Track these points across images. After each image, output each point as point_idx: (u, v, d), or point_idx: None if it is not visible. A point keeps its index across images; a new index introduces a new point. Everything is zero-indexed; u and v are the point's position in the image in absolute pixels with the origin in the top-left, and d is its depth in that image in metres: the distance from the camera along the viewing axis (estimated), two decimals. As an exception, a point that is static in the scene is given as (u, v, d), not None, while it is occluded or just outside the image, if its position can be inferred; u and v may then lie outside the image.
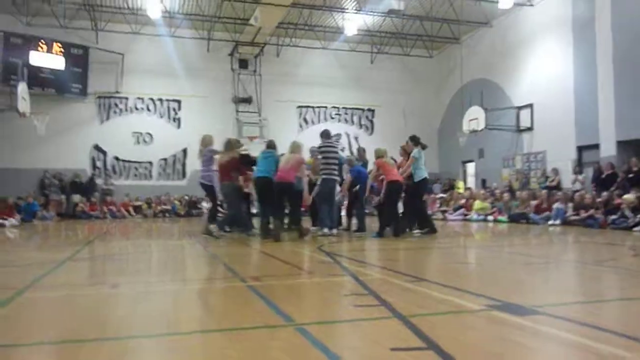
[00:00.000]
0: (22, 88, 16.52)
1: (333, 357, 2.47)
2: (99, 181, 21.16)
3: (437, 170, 23.64)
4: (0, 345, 2.75)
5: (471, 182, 22.70)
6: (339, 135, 12.49)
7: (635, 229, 11.36)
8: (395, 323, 3.05)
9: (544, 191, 15.62)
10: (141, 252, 7.90)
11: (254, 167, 10.23)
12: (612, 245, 8.64)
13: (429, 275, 5.01)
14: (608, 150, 15.52)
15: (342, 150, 12.09)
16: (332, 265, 5.91)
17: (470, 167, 23.24)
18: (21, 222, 16.06)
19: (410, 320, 3.06)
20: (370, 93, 24.65)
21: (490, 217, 16.06)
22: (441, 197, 19.00)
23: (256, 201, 11.93)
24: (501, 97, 20.40)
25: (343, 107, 24.76)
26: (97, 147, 21.78)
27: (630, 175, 13.86)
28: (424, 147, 10.38)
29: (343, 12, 21.12)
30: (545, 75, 18.33)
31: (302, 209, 10.71)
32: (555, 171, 17.18)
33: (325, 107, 24.50)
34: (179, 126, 22.53)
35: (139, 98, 22.32)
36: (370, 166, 12.44)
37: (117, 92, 21.92)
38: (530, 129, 19.13)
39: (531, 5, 19.17)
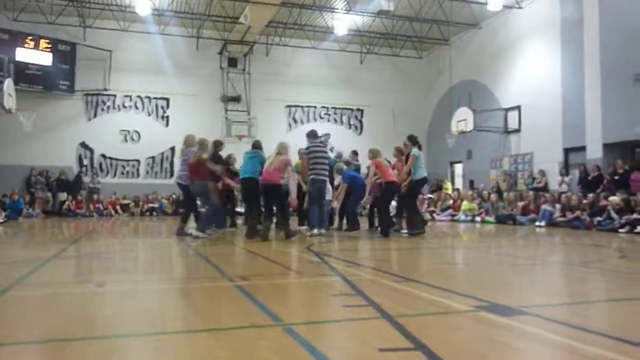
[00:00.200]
0: (8, 84, 16.33)
1: (320, 357, 2.46)
2: (85, 179, 21.00)
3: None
4: (-16, 344, 2.71)
5: (459, 183, 22.81)
6: (328, 134, 12.45)
7: (621, 230, 11.48)
8: (383, 323, 3.06)
9: (531, 192, 15.75)
10: (128, 250, 7.85)
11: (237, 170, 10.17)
12: (598, 246, 8.72)
13: (417, 276, 5.03)
14: (594, 152, 15.65)
15: (332, 150, 12.08)
16: (321, 265, 5.90)
17: (458, 168, 23.36)
18: (6, 220, 15.88)
19: (398, 321, 3.06)
20: (359, 93, 24.67)
21: (477, 218, 16.16)
22: (429, 198, 19.07)
23: (241, 201, 11.93)
24: (489, 98, 20.51)
25: (332, 107, 24.76)
26: (84, 145, 21.60)
27: (616, 177, 14.02)
28: (419, 147, 10.45)
29: (333, 12, 21.12)
30: (534, 77, 18.46)
31: (290, 209, 10.66)
32: (542, 173, 17.31)
33: (315, 106, 24.49)
34: (167, 124, 22.40)
35: (126, 96, 22.16)
36: (363, 166, 12.49)
37: (105, 89, 21.75)
38: (517, 130, 19.26)
39: (520, 7, 19.29)
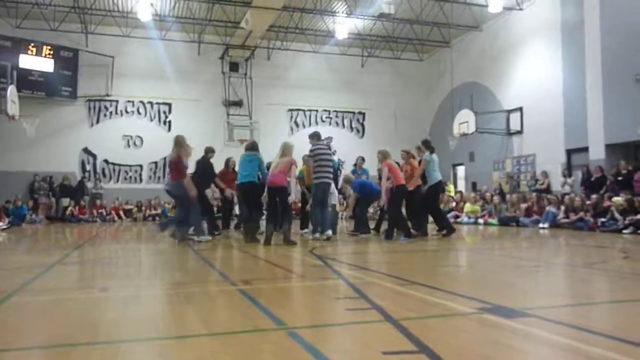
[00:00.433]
0: (11, 91, 16.41)
1: (325, 360, 2.46)
2: (88, 184, 21.05)
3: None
4: (-12, 350, 2.72)
5: (461, 185, 22.79)
6: (330, 138, 12.44)
7: (625, 231, 11.45)
8: (386, 327, 3.05)
9: (534, 194, 15.72)
10: (131, 255, 7.86)
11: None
12: (601, 247, 8.70)
13: (420, 279, 5.02)
14: (597, 153, 15.63)
15: (334, 153, 12.07)
16: (324, 269, 5.90)
17: (461, 170, 23.34)
18: (10, 226, 15.92)
19: (402, 324, 3.06)
20: (360, 96, 24.70)
21: (480, 220, 16.14)
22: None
23: (237, 204, 11.86)
24: (491, 100, 20.51)
25: (334, 110, 24.79)
26: (86, 150, 21.67)
27: (619, 178, 14.00)
28: (433, 151, 10.50)
29: (334, 15, 21.16)
30: (535, 78, 18.46)
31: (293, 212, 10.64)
32: (545, 174, 17.29)
33: (316, 110, 24.53)
34: (169, 129, 22.44)
35: (129, 101, 22.24)
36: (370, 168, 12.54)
37: (107, 95, 21.83)
38: (520, 132, 19.25)
39: (520, 9, 19.32)
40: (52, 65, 20.57)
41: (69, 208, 19.89)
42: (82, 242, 10.67)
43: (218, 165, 11.58)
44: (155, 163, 22.21)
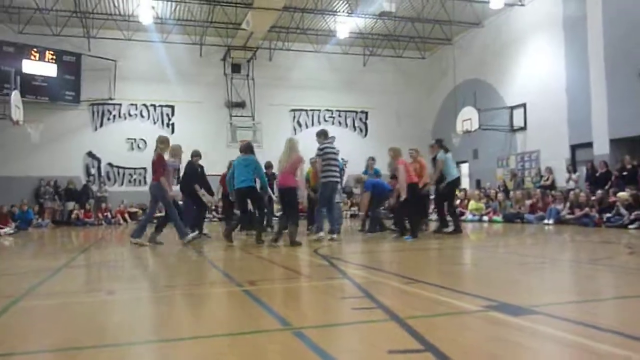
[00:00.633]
0: (15, 96, 16.47)
1: (331, 360, 2.47)
2: (93, 188, 21.12)
3: (431, 170, 23.66)
4: (-4, 355, 2.73)
5: (465, 182, 22.71)
6: (332, 137, 12.44)
7: (631, 226, 11.41)
8: (392, 325, 3.05)
9: (538, 190, 15.68)
10: (137, 258, 7.87)
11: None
12: (607, 243, 8.67)
13: (425, 277, 5.02)
14: (601, 148, 15.57)
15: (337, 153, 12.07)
16: (329, 269, 5.90)
17: (464, 168, 23.24)
18: (17, 230, 15.99)
19: (408, 323, 3.05)
20: (363, 95, 24.68)
21: (485, 218, 16.11)
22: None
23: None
24: (494, 97, 20.46)
25: (336, 110, 24.79)
26: (91, 154, 21.74)
27: (624, 173, 13.94)
28: (447, 150, 10.61)
29: (335, 15, 21.14)
30: (538, 74, 18.41)
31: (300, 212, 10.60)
32: (549, 170, 17.24)
33: (319, 110, 24.53)
34: (172, 132, 22.46)
35: (132, 104, 22.30)
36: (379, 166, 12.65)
37: (111, 98, 21.88)
38: (523, 128, 19.20)
39: (522, 5, 19.26)
40: (55, 70, 20.65)
41: (75, 212, 19.95)
42: (88, 245, 10.71)
43: (221, 167, 11.54)
44: (159, 165, 22.19)
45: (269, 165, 12.40)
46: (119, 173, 22.03)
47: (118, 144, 21.87)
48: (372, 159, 12.92)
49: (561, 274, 5.66)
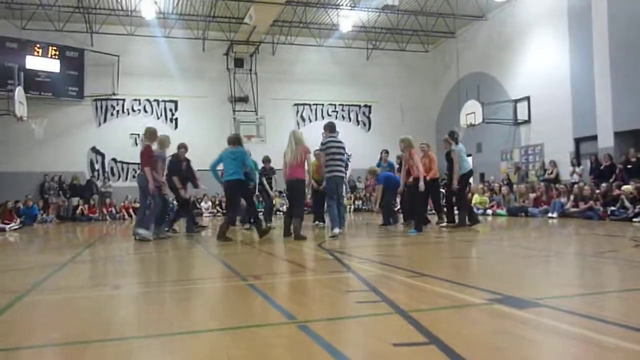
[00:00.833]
0: (18, 92, 16.51)
1: (336, 353, 2.47)
2: (97, 183, 21.18)
3: (441, 165, 23.68)
4: (1, 349, 2.75)
5: (469, 176, 22.68)
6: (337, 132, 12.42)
7: (635, 219, 11.38)
8: (397, 319, 3.06)
9: (543, 184, 15.65)
10: (141, 252, 7.89)
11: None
12: (612, 236, 8.65)
13: (430, 270, 5.02)
14: (606, 141, 15.51)
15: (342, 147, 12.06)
16: (333, 262, 5.91)
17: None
18: (22, 226, 16.05)
19: (412, 316, 3.06)
20: (366, 89, 24.66)
21: (489, 211, 16.09)
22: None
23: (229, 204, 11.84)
24: (498, 90, 20.40)
25: (340, 104, 24.77)
26: (95, 150, 21.81)
27: (629, 166, 13.89)
28: (457, 142, 10.62)
29: (338, 8, 21.11)
30: (542, 67, 18.34)
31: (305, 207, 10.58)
32: (553, 163, 17.19)
33: (322, 104, 24.52)
34: (176, 127, 22.52)
35: (135, 99, 22.32)
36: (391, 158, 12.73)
37: (114, 94, 21.92)
38: (527, 121, 19.15)
39: (526, -3, 19.18)
40: (58, 66, 20.68)
41: (79, 207, 20.02)
42: (92, 240, 10.74)
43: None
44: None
45: (267, 160, 12.36)
46: (123, 168, 22.09)
47: (122, 140, 21.92)
48: (386, 151, 12.96)
49: (565, 267, 5.65)
